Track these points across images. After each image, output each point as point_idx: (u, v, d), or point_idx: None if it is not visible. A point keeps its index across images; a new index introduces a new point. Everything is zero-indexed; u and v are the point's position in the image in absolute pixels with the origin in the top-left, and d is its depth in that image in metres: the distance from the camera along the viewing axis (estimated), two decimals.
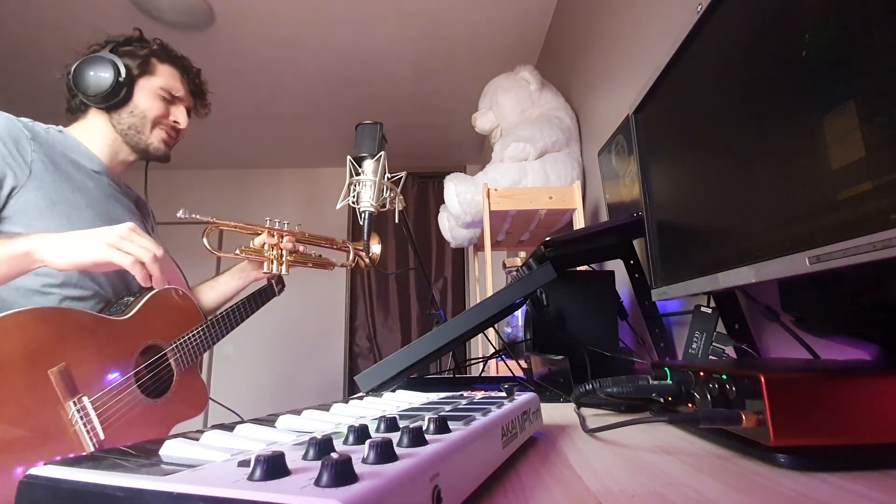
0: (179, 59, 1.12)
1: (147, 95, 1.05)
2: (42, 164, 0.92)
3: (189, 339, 1.03)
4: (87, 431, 0.78)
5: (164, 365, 0.97)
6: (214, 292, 1.22)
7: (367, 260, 1.22)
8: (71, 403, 0.77)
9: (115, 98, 1.01)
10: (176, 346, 1.00)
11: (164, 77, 1.07)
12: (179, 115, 1.10)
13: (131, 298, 0.97)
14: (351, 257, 1.27)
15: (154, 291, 0.98)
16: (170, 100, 1.09)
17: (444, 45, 2.64)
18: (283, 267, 1.14)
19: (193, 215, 1.01)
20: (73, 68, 1.00)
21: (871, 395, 0.35)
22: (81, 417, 0.78)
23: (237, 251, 1.11)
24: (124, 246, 0.80)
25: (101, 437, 0.80)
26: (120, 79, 1.00)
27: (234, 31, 2.49)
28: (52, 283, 0.90)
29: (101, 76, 0.99)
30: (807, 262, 0.41)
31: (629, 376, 0.51)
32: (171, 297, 1.03)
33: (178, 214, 1.02)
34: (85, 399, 0.79)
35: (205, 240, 1.03)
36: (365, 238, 1.05)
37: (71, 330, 0.82)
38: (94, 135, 1.04)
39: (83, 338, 0.83)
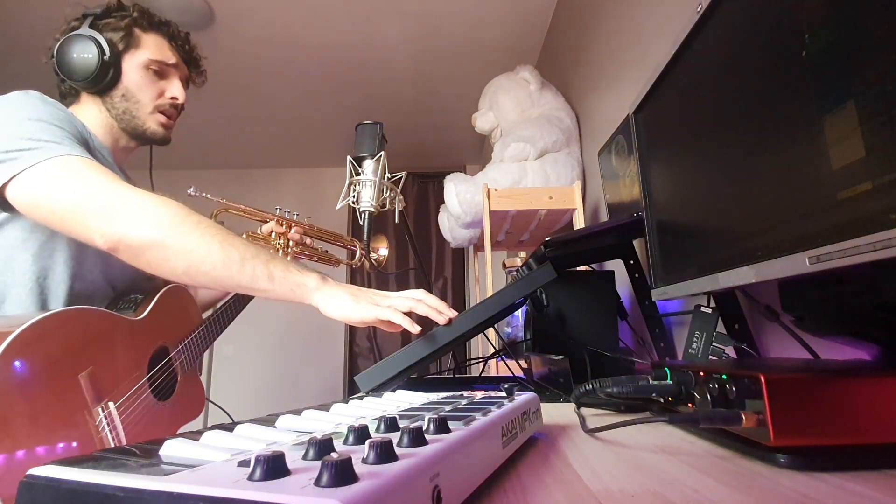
0: (165, 24, 0.99)
1: (136, 73, 0.93)
2: (94, 152, 0.87)
3: (192, 340, 1.01)
4: (113, 439, 0.76)
5: (171, 367, 0.96)
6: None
7: (371, 261, 1.22)
8: (99, 409, 0.75)
9: (104, 80, 0.90)
10: (181, 349, 0.98)
11: (150, 48, 0.95)
12: (175, 88, 0.98)
13: (139, 296, 0.94)
14: (357, 257, 1.26)
15: (164, 290, 0.96)
16: (162, 73, 0.97)
17: (445, 45, 2.64)
18: (288, 258, 1.11)
19: (203, 195, 1.00)
20: (55, 50, 0.89)
21: (871, 395, 0.35)
22: (108, 424, 0.76)
23: (243, 236, 1.10)
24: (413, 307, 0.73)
25: (124, 443, 0.78)
26: (105, 58, 0.88)
27: (234, 31, 2.49)
28: (62, 276, 0.85)
29: (84, 57, 0.88)
30: (807, 262, 0.41)
31: (629, 376, 0.51)
32: (178, 295, 1.01)
33: (189, 192, 1.01)
34: (111, 405, 0.77)
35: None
36: (365, 238, 1.05)
37: (98, 331, 0.80)
38: (93, 121, 0.94)
39: (107, 339, 0.81)
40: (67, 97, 0.95)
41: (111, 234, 0.71)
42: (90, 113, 0.94)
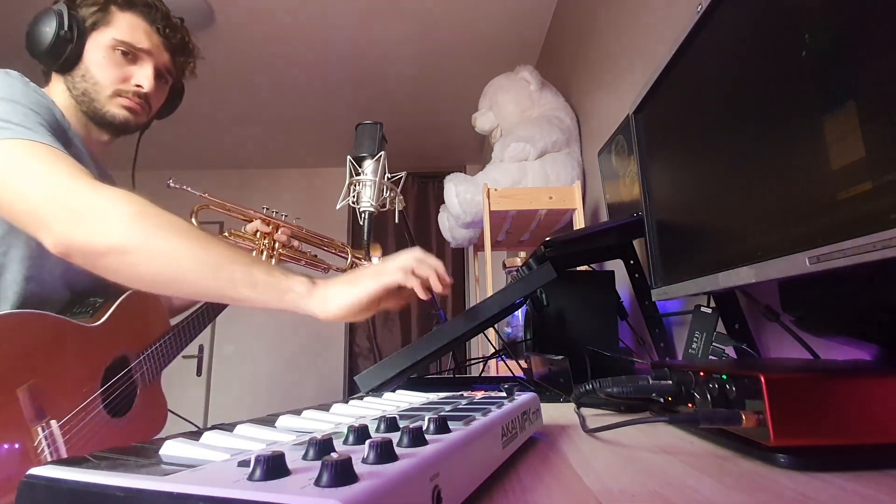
0: (147, 6, 0.89)
1: (99, 52, 0.84)
2: (72, 142, 0.81)
3: (156, 350, 0.93)
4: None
5: (130, 379, 0.87)
6: None
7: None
8: (39, 428, 0.68)
9: (60, 57, 0.82)
10: (143, 359, 0.90)
11: (121, 28, 0.86)
12: (142, 75, 0.88)
13: (99, 300, 0.86)
14: (348, 263, 1.23)
15: (128, 293, 0.88)
16: (132, 56, 0.87)
17: (445, 45, 2.64)
18: (273, 260, 1.06)
19: (184, 187, 0.96)
20: (28, 25, 0.83)
21: (871, 395, 0.35)
22: (49, 445, 0.69)
23: (226, 234, 1.03)
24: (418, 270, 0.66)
25: None
26: (62, 32, 0.81)
27: (234, 31, 2.49)
28: (15, 276, 0.77)
29: (42, 31, 0.81)
30: (807, 262, 0.41)
31: (629, 376, 0.51)
32: (143, 299, 0.93)
33: (169, 184, 0.94)
34: (53, 423, 0.70)
35: (193, 220, 0.94)
36: (365, 239, 1.05)
37: (45, 338, 0.72)
38: (61, 105, 0.85)
39: (55, 348, 0.73)
40: (42, 77, 0.88)
41: (62, 236, 0.63)
42: (57, 94, 0.86)
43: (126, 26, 0.87)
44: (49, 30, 0.81)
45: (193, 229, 0.67)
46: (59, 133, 0.77)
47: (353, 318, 0.65)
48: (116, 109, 0.87)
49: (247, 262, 0.66)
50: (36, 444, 0.67)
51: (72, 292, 0.85)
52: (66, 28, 0.82)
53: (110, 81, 0.86)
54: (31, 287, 0.78)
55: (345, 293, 0.64)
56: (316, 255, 1.21)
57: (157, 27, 0.90)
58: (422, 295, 0.65)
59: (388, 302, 0.66)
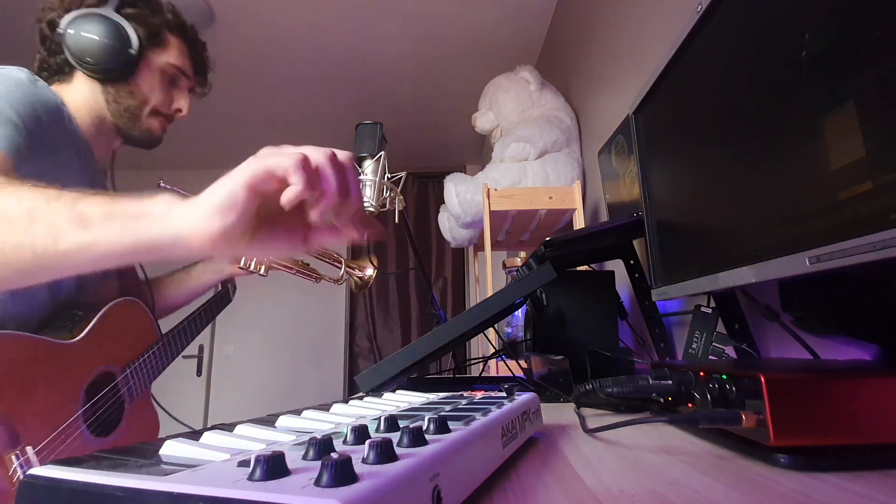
0: (189, 29, 0.92)
1: (153, 74, 0.86)
2: (43, 143, 0.74)
3: (143, 361, 0.89)
4: None
5: (116, 395, 0.83)
6: (185, 287, 1.07)
7: (357, 280, 1.18)
8: (13, 457, 0.64)
9: (119, 72, 0.82)
10: (129, 373, 0.86)
11: (174, 53, 0.88)
12: (183, 101, 0.91)
13: (79, 312, 0.81)
14: (340, 274, 1.21)
15: (111, 304, 0.84)
16: (175, 80, 0.90)
17: (445, 45, 2.64)
18: (262, 268, 1.04)
19: (176, 189, 0.96)
20: (67, 22, 0.79)
21: (871, 395, 0.35)
22: (25, 473, 0.66)
23: None
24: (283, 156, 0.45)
25: None
26: (131, 51, 0.81)
27: (234, 31, 2.49)
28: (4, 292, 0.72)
29: (108, 44, 0.79)
30: (807, 262, 0.41)
31: (629, 376, 0.51)
32: (128, 310, 0.89)
33: (160, 185, 0.94)
34: (29, 450, 0.66)
35: None
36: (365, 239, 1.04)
37: (16, 362, 0.68)
38: (80, 107, 0.83)
39: (27, 370, 0.69)
40: (57, 73, 0.84)
41: None
42: (81, 97, 0.83)
43: (177, 51, 0.89)
44: (117, 45, 0.80)
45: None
46: (53, 133, 0.74)
47: (230, 222, 0.42)
48: (153, 130, 0.90)
49: (74, 197, 0.47)
50: (11, 472, 0.64)
51: (55, 304, 0.81)
52: (130, 45, 0.82)
53: (157, 102, 0.88)
54: (17, 299, 0.74)
55: (214, 188, 0.44)
56: (308, 264, 1.19)
57: (193, 50, 0.93)
58: (289, 195, 0.43)
59: (267, 182, 0.44)
